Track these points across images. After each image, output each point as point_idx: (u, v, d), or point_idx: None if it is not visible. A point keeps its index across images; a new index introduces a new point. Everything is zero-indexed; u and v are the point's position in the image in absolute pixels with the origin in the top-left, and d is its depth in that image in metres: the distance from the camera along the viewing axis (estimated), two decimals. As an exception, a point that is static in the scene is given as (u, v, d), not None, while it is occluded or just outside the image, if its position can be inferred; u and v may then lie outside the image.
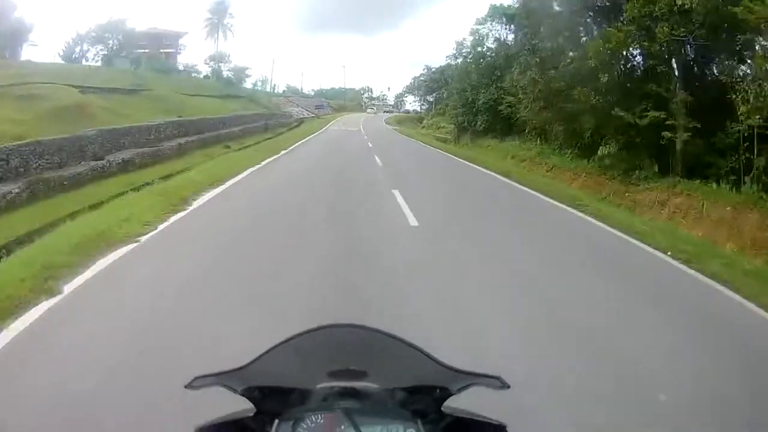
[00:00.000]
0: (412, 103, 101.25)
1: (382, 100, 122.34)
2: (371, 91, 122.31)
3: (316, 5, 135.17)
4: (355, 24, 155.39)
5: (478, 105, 35.15)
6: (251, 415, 0.97)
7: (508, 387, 0.93)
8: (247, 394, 0.96)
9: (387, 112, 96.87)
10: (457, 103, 41.76)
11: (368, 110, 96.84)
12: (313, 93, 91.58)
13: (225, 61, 57.53)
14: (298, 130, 42.40)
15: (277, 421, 0.93)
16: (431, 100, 70.65)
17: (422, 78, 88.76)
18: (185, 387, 0.95)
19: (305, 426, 0.91)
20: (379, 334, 0.92)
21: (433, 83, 67.74)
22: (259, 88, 65.13)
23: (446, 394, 0.95)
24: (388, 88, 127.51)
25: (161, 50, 55.48)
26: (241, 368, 0.94)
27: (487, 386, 0.94)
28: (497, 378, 0.93)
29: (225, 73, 55.22)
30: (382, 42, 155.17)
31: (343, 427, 0.90)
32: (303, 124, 51.05)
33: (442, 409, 0.96)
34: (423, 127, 60.27)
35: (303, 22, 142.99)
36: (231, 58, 60.19)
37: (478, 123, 35.52)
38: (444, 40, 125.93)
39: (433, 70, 69.41)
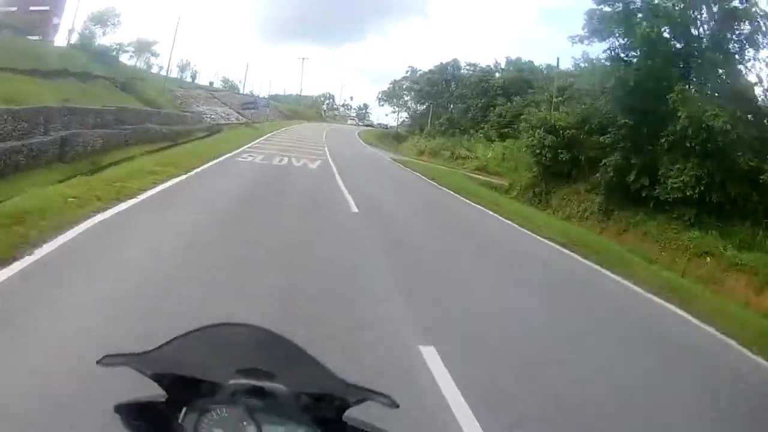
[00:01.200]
0: (384, 117, 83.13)
1: (347, 109, 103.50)
2: (333, 99, 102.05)
3: (280, 15, 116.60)
4: (318, 35, 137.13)
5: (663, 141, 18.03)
6: (162, 399, 0.97)
7: (397, 406, 0.92)
8: (158, 379, 0.95)
9: (368, 125, 78.27)
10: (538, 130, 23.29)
11: (348, 121, 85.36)
12: (252, 93, 61.71)
13: (109, 25, 35.54)
14: (180, 150, 20.76)
15: (185, 409, 0.94)
16: (420, 110, 51.77)
17: (405, 83, 69.65)
18: (96, 363, 0.94)
19: (210, 418, 0.93)
20: (288, 342, 0.94)
21: (429, 87, 48.93)
22: (165, 75, 43.15)
23: (345, 405, 0.95)
24: (351, 98, 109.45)
25: (32, 7, 33.76)
26: (149, 352, 0.93)
27: (378, 402, 0.94)
28: (387, 396, 0.93)
29: (97, 43, 33.14)
30: (346, 54, 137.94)
31: (245, 423, 0.92)
32: (216, 134, 30.48)
33: (343, 418, 0.96)
34: (419, 152, 40.59)
35: (265, 31, 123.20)
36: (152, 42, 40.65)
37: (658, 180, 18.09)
38: (408, 57, 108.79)
39: (431, 70, 50.70)
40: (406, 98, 70.82)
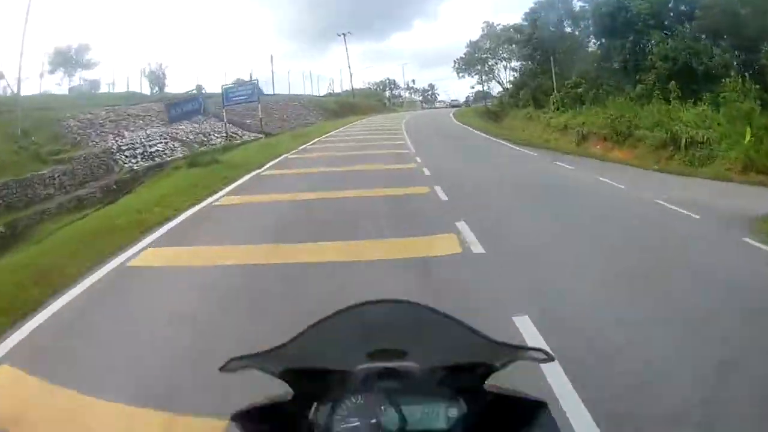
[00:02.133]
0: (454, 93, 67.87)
1: (413, 93, 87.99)
2: (394, 84, 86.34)
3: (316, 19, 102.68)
4: (363, 32, 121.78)
5: None
6: (289, 398, 0.93)
7: (553, 359, 0.89)
8: (284, 377, 0.92)
9: (454, 105, 62.56)
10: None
11: (437, 104, 72.82)
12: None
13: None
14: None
15: (315, 404, 0.91)
16: (526, 70, 34.80)
17: (486, 42, 52.35)
18: (219, 370, 0.90)
19: (344, 408, 0.89)
20: (420, 309, 0.90)
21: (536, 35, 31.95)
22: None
23: (489, 370, 0.91)
24: (413, 80, 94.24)
25: None
26: (276, 348, 0.89)
27: (531, 360, 0.90)
28: (541, 350, 0.89)
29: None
30: (394, 44, 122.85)
31: (383, 407, 0.88)
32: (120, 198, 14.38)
33: (484, 386, 0.92)
34: (554, 129, 23.89)
35: (302, 35, 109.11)
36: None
37: None
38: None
39: (528, 13, 33.29)
40: (491, 62, 53.62)
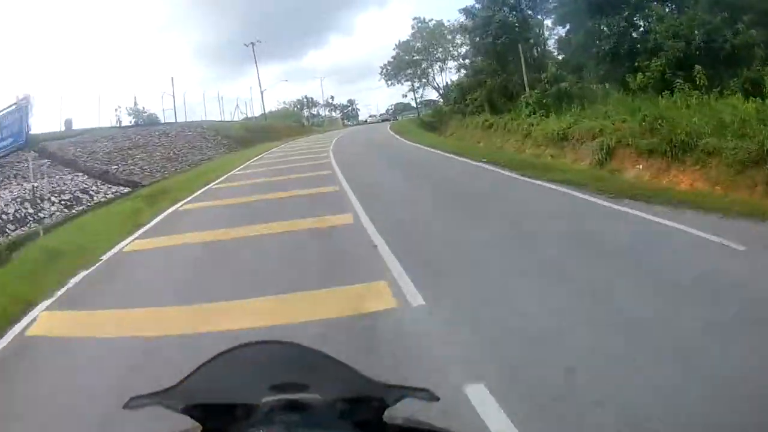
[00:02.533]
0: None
1: (332, 110, 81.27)
2: (312, 103, 78.53)
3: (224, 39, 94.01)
4: (276, 51, 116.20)
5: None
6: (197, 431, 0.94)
7: (438, 399, 0.93)
8: (189, 412, 0.92)
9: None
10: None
11: (369, 119, 69.64)
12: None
13: None
14: None
15: None
16: (475, 67, 28.04)
17: (417, 42, 46.25)
18: (123, 407, 0.92)
19: None
20: (316, 352, 0.92)
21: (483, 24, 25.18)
22: None
23: (383, 405, 0.93)
24: (332, 97, 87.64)
25: None
26: (178, 384, 0.90)
27: (418, 398, 0.93)
28: (426, 390, 0.93)
29: None
30: (311, 61, 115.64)
31: None
32: None
33: (383, 419, 0.94)
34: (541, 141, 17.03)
35: (210, 57, 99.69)
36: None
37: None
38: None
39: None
40: (424, 65, 47.19)
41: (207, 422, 0.92)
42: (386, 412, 0.93)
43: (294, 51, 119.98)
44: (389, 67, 49.76)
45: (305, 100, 79.27)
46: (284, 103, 72.14)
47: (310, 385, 0.91)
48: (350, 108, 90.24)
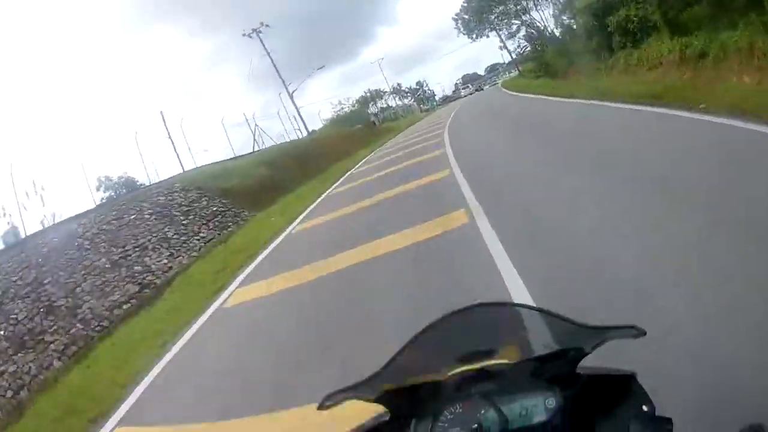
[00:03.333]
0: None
1: (402, 97, 68.46)
2: (377, 95, 65.26)
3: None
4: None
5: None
6: (386, 419, 0.94)
7: (645, 334, 0.85)
8: (381, 400, 0.92)
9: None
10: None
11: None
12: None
13: None
14: None
15: (414, 420, 0.91)
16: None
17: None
18: (318, 408, 0.90)
19: (444, 419, 0.90)
20: (501, 308, 0.92)
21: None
22: None
23: (580, 354, 0.88)
24: (398, 84, 74.73)
25: None
26: (370, 377, 0.89)
27: (622, 338, 0.86)
28: (632, 327, 0.86)
29: None
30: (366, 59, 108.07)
31: (483, 411, 0.88)
32: None
33: (577, 370, 0.90)
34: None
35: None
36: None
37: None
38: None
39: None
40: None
41: (398, 407, 0.92)
42: (583, 361, 0.87)
43: (350, 54, 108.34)
44: (467, 15, 34.54)
45: (368, 94, 66.00)
46: (341, 104, 58.72)
47: (496, 349, 0.88)
48: (421, 90, 76.20)
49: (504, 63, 70.29)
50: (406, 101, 71.81)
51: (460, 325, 0.89)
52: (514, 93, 27.70)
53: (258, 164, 19.04)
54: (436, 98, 73.62)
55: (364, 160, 20.24)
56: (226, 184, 15.64)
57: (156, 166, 48.05)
